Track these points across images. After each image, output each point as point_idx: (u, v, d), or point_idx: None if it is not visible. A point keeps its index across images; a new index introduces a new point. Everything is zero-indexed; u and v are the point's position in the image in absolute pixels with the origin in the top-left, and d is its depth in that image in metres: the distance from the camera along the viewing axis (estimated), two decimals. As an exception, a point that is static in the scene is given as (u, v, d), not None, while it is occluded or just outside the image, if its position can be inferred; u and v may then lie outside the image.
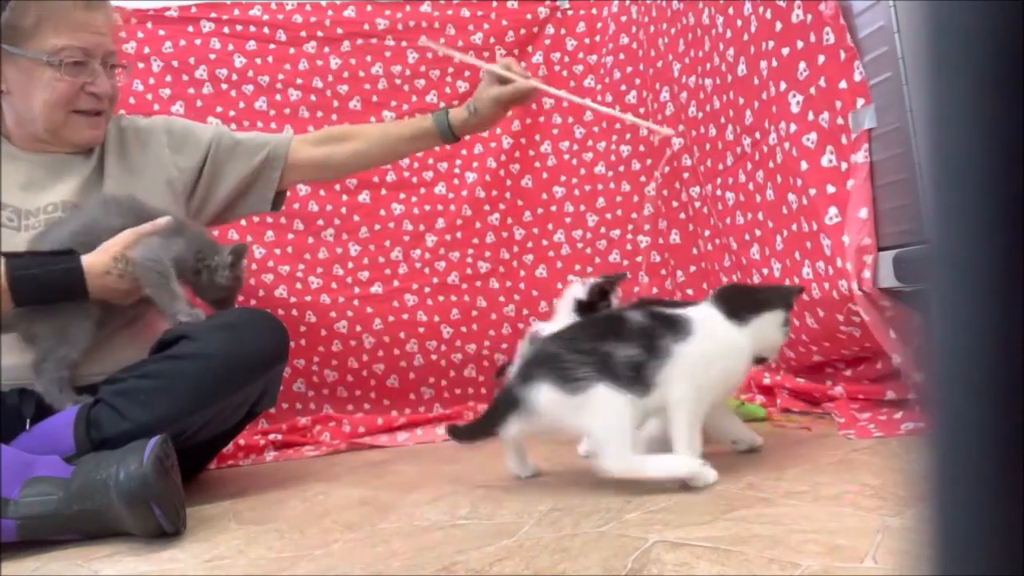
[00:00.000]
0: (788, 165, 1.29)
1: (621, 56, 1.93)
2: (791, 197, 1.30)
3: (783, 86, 1.27)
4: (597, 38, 2.00)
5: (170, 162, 1.43)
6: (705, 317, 0.99)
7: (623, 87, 1.93)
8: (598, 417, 0.93)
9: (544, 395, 0.95)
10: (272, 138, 1.53)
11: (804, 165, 1.23)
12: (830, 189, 1.18)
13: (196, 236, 1.32)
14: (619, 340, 0.95)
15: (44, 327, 1.18)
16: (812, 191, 1.22)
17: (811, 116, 1.22)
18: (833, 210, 1.18)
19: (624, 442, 0.93)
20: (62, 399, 1.17)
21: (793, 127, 1.25)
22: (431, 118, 1.43)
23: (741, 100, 1.43)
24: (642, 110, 1.84)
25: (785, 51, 1.25)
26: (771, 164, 1.36)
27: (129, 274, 1.20)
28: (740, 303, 1.02)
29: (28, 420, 1.16)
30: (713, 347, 0.98)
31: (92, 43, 1.29)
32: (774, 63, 1.28)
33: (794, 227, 1.30)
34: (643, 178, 1.91)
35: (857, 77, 1.12)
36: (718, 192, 1.58)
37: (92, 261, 1.18)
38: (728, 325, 1.00)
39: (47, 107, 1.28)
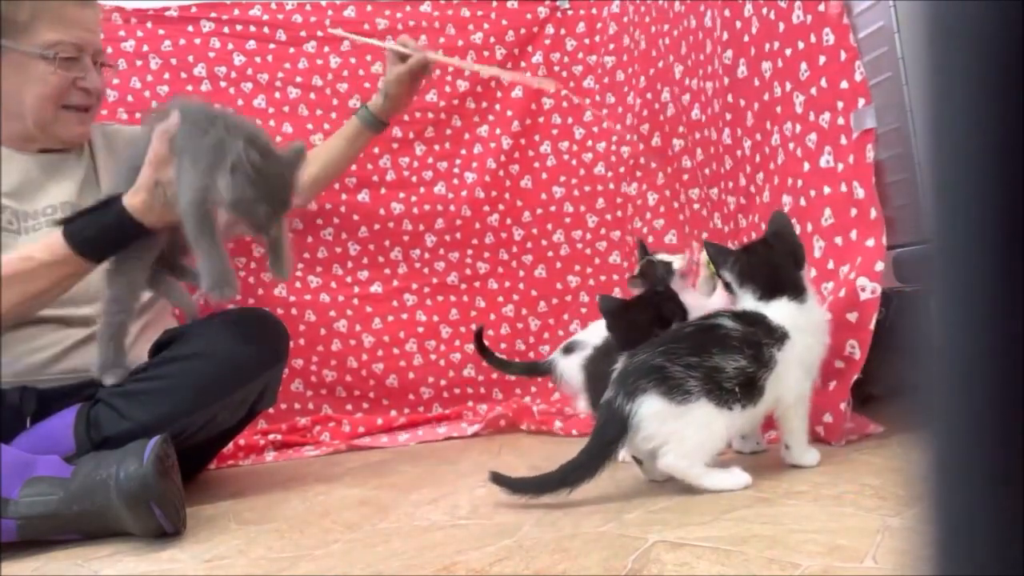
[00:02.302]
0: (790, 166, 1.28)
1: (624, 57, 1.93)
2: (786, 199, 1.29)
3: (788, 86, 1.27)
4: (597, 38, 2.00)
5: None
6: (783, 312, 0.98)
7: (625, 88, 1.93)
8: (696, 430, 0.91)
9: (647, 407, 0.91)
10: None
11: (806, 166, 1.23)
12: (826, 190, 1.18)
13: (232, 126, 1.14)
14: (724, 352, 0.92)
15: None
16: (812, 192, 1.21)
17: (812, 117, 1.21)
18: (828, 211, 1.18)
19: (705, 455, 0.92)
20: (110, 353, 1.18)
21: (798, 127, 1.25)
22: (355, 117, 1.59)
23: (742, 102, 1.42)
24: (645, 112, 1.83)
25: (788, 52, 1.25)
26: (771, 166, 1.35)
27: (172, 198, 1.13)
28: (788, 278, 1.00)
29: (28, 419, 1.16)
30: (809, 339, 0.98)
31: (84, 39, 1.30)
32: (779, 64, 1.28)
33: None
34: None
35: (858, 77, 1.11)
36: (722, 196, 1.58)
37: (133, 203, 1.14)
38: (802, 307, 0.99)
39: (39, 101, 1.29)
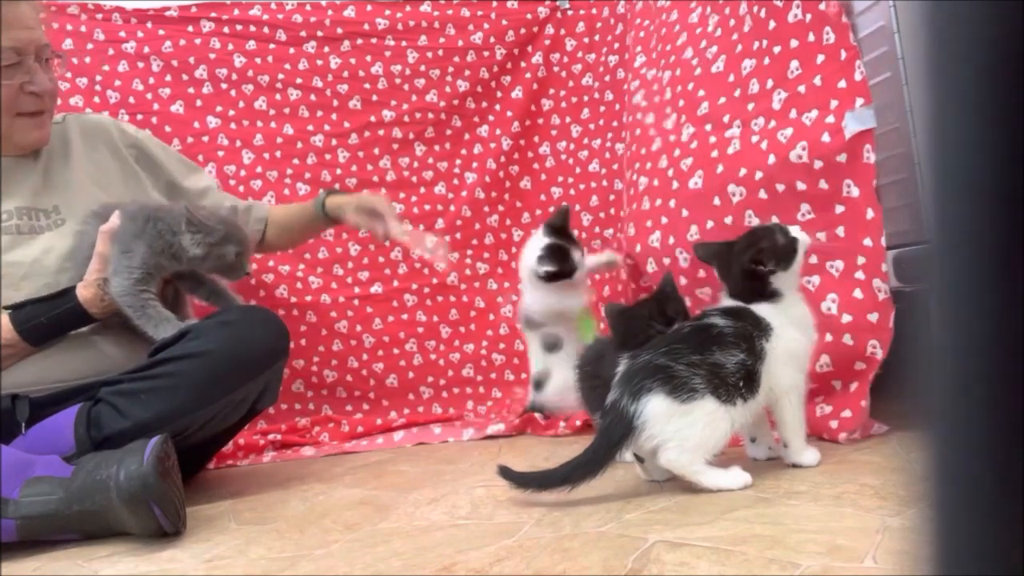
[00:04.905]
0: (746, 158, 1.27)
1: (626, 56, 1.93)
2: (733, 189, 1.28)
3: (769, 84, 1.27)
4: (597, 37, 2.01)
5: (143, 178, 1.48)
6: (763, 310, 0.99)
7: (625, 87, 1.93)
8: (701, 427, 0.92)
9: (652, 406, 0.92)
10: (253, 203, 1.64)
11: (772, 159, 1.22)
12: (800, 187, 1.18)
13: (166, 220, 1.27)
14: (723, 348, 0.94)
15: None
16: (780, 187, 1.21)
17: (793, 114, 1.21)
18: (805, 207, 1.17)
19: (707, 452, 0.93)
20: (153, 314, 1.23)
21: (772, 123, 1.25)
22: (311, 203, 1.58)
23: (702, 92, 1.42)
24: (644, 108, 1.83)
25: (777, 49, 1.25)
26: (714, 154, 1.34)
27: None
28: (758, 288, 1.01)
29: (23, 424, 1.16)
30: (794, 332, 0.99)
31: (23, 40, 1.23)
32: (765, 62, 1.28)
33: (728, 220, 1.29)
34: None
35: (858, 77, 1.11)
36: (633, 177, 1.58)
37: (84, 296, 1.23)
38: (779, 306, 1.00)
39: None
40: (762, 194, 1.24)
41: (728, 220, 1.28)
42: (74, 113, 1.50)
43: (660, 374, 0.92)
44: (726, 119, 1.34)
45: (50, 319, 1.21)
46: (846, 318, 1.11)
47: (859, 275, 1.11)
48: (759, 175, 1.24)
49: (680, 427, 0.91)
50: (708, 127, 1.38)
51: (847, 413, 1.11)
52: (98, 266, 1.24)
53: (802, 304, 1.04)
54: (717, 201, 1.31)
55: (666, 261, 1.39)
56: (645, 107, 1.59)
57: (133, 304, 1.23)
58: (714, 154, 1.34)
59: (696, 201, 1.35)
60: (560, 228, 1.50)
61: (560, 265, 1.46)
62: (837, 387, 1.15)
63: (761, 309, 0.99)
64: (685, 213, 1.37)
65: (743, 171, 1.27)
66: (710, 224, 1.32)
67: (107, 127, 1.48)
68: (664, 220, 1.41)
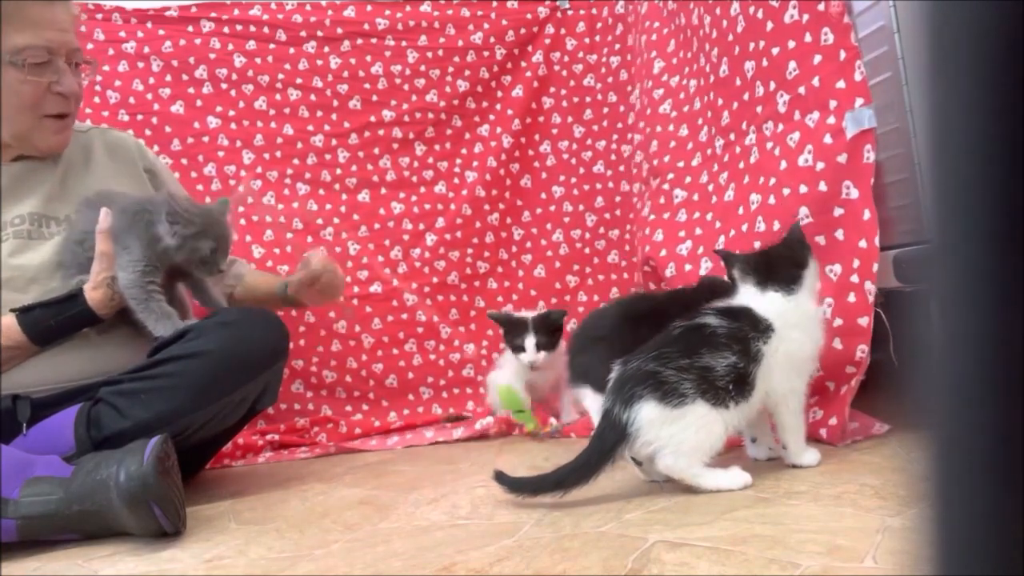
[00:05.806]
0: (764, 165, 1.28)
1: (628, 56, 1.93)
2: (754, 197, 1.29)
3: (772, 86, 1.27)
4: (597, 37, 2.01)
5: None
6: (772, 305, 0.99)
7: (629, 88, 1.93)
8: (695, 431, 0.92)
9: (644, 413, 0.92)
10: (237, 260, 1.61)
11: (783, 164, 1.22)
12: (803, 189, 1.18)
13: (151, 210, 1.26)
14: (713, 351, 0.93)
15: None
16: (786, 191, 1.21)
17: (797, 116, 1.21)
18: (804, 211, 1.17)
19: (703, 456, 0.93)
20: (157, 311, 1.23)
21: (780, 127, 1.25)
22: (276, 285, 1.57)
23: (720, 101, 1.42)
24: (649, 111, 1.83)
25: (775, 51, 1.25)
26: (741, 165, 1.35)
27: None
28: (784, 272, 1.01)
29: (24, 424, 1.16)
30: (797, 333, 0.98)
31: (56, 41, 1.24)
32: (764, 63, 1.28)
33: (744, 227, 1.29)
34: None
35: (858, 77, 1.11)
36: (664, 187, 1.58)
37: (94, 298, 1.23)
38: (792, 300, 0.99)
39: (13, 111, 1.25)
40: (771, 200, 1.24)
41: (744, 228, 1.29)
42: (99, 126, 1.51)
43: (650, 380, 0.92)
44: (744, 125, 1.35)
45: (59, 322, 1.22)
46: (837, 322, 1.11)
47: (854, 278, 1.10)
48: (772, 181, 1.24)
49: (674, 432, 0.91)
50: (732, 136, 1.39)
51: (833, 421, 1.11)
52: (103, 266, 1.23)
53: (813, 303, 1.03)
54: (741, 210, 1.31)
55: (687, 268, 1.41)
56: (675, 117, 1.59)
57: (138, 296, 1.23)
58: (740, 165, 1.35)
59: (727, 212, 1.37)
60: (552, 325, 1.58)
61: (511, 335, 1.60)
62: (831, 387, 1.14)
63: (770, 304, 0.98)
64: (718, 224, 1.39)
65: (761, 179, 1.28)
66: (732, 232, 1.33)
67: (129, 146, 1.49)
68: (699, 231, 1.43)
